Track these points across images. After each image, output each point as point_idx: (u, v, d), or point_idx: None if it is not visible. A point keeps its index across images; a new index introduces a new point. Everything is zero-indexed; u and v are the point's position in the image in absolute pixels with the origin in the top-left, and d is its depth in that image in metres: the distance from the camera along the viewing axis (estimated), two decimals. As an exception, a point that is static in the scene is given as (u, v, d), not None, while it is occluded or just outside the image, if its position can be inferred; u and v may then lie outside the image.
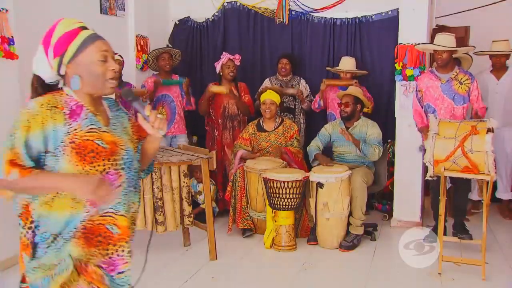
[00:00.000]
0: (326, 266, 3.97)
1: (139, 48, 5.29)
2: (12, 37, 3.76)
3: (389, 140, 5.04)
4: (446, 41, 4.19)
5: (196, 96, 5.26)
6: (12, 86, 3.83)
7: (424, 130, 4.21)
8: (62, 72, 1.70)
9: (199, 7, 5.84)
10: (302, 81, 5.33)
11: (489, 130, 3.50)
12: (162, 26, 5.87)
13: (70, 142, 1.64)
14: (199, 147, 4.36)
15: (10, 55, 3.75)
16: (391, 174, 4.99)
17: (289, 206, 4.21)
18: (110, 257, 1.75)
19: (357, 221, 4.27)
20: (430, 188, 4.54)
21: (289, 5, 5.48)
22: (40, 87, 1.73)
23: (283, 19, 5.52)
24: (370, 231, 4.52)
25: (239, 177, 4.58)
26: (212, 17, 5.84)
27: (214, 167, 3.99)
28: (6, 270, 3.77)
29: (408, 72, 4.68)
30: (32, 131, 1.60)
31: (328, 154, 4.72)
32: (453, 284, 3.56)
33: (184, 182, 3.90)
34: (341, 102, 4.60)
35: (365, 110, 4.76)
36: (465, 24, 5.39)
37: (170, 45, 5.76)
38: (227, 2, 5.76)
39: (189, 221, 3.97)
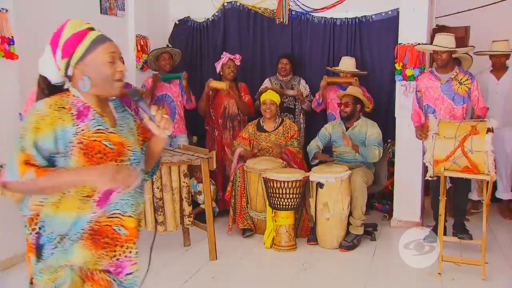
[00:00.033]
0: (326, 266, 3.97)
1: (139, 48, 5.29)
2: (12, 37, 3.77)
3: (389, 140, 5.04)
4: (445, 41, 4.19)
5: (196, 96, 5.26)
6: (12, 86, 3.84)
7: (418, 129, 4.20)
8: (69, 73, 1.70)
9: (199, 7, 5.84)
10: (302, 81, 5.33)
11: (489, 130, 3.50)
12: (162, 26, 5.87)
13: (78, 143, 1.64)
14: (199, 147, 4.36)
15: (10, 55, 3.75)
16: (391, 174, 4.99)
17: (289, 206, 4.21)
18: (117, 259, 1.74)
19: (357, 221, 4.27)
20: (430, 188, 4.54)
21: (289, 5, 5.48)
22: (47, 88, 1.73)
23: (283, 19, 5.52)
24: (370, 231, 4.52)
25: (239, 177, 4.58)
26: (212, 17, 5.84)
27: (214, 167, 3.99)
28: (6, 270, 3.76)
29: (408, 72, 4.68)
30: (41, 132, 1.60)
31: (328, 154, 4.72)
32: (453, 284, 3.56)
33: (184, 182, 3.90)
34: (341, 102, 4.61)
35: (366, 110, 4.76)
36: (465, 24, 5.39)
37: (170, 45, 5.76)
38: (227, 2, 5.76)
39: (189, 221, 3.97)
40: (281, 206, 4.21)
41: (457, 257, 3.81)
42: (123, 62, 4.69)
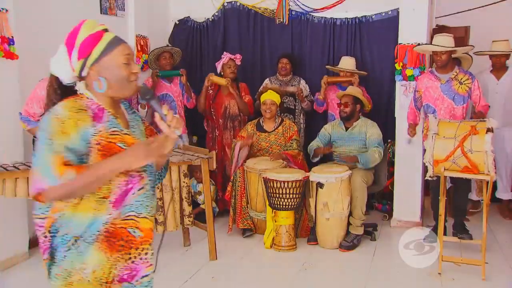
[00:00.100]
0: (326, 266, 3.97)
1: (139, 48, 5.29)
2: (12, 37, 3.77)
3: (389, 140, 5.04)
4: (444, 41, 4.19)
5: (196, 95, 5.27)
6: (12, 86, 3.84)
7: (411, 126, 4.37)
8: (84, 74, 1.70)
9: (199, 7, 5.84)
10: (302, 81, 5.33)
11: (489, 130, 3.50)
12: (162, 26, 5.87)
13: (96, 144, 1.64)
14: (199, 147, 4.36)
15: (10, 55, 3.75)
16: (391, 174, 4.99)
17: (289, 206, 4.21)
18: (132, 262, 1.73)
19: (357, 221, 4.27)
20: (430, 188, 4.54)
21: (289, 5, 5.49)
22: (59, 88, 1.73)
23: (283, 19, 5.52)
24: (370, 231, 4.52)
25: (239, 177, 4.58)
26: (212, 17, 5.84)
27: (214, 167, 3.99)
28: (6, 270, 3.76)
29: (408, 72, 4.68)
30: (68, 135, 1.60)
31: (329, 154, 4.72)
32: (453, 284, 3.56)
33: (184, 182, 3.90)
34: (341, 102, 4.61)
35: (364, 110, 4.76)
36: (465, 24, 5.40)
37: (169, 45, 5.76)
38: (227, 2, 5.76)
39: (189, 221, 3.97)
40: (281, 206, 4.21)
41: (457, 257, 3.81)
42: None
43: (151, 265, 1.78)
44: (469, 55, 4.77)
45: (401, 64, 4.72)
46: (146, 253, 1.76)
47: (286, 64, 5.27)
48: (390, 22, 5.17)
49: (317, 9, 5.51)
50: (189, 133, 5.38)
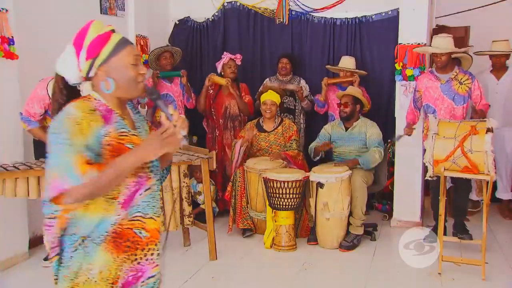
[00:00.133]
0: (326, 266, 3.97)
1: (139, 48, 5.29)
2: (12, 37, 3.77)
3: (389, 140, 5.04)
4: (444, 42, 4.18)
5: (196, 95, 5.27)
6: (12, 86, 3.84)
7: (408, 125, 4.36)
8: (91, 74, 1.70)
9: (199, 7, 5.84)
10: (302, 81, 5.33)
11: (489, 130, 3.50)
12: (162, 26, 5.87)
13: (107, 145, 1.64)
14: (199, 147, 4.36)
15: (10, 55, 3.75)
16: (391, 174, 4.99)
17: (289, 206, 4.21)
18: (138, 263, 1.73)
19: (357, 221, 4.27)
20: (430, 188, 4.54)
21: (289, 5, 5.49)
22: (65, 89, 1.73)
23: (283, 19, 5.52)
24: (370, 231, 4.52)
25: (239, 177, 4.58)
26: (212, 17, 5.84)
27: (214, 167, 3.99)
28: (6, 270, 3.76)
29: (408, 72, 4.68)
30: (85, 135, 1.60)
31: (329, 154, 4.72)
32: (453, 284, 3.56)
33: (184, 182, 3.90)
34: (340, 103, 4.61)
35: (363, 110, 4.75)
36: (465, 24, 5.40)
37: (169, 45, 5.76)
38: (227, 2, 5.76)
39: (189, 221, 3.97)
40: (281, 206, 4.21)
41: (457, 257, 3.81)
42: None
43: (157, 265, 1.78)
44: (469, 55, 4.77)
45: (401, 64, 4.72)
46: (152, 254, 1.76)
47: (286, 64, 5.27)
48: (390, 22, 5.16)
49: (317, 9, 5.51)
50: (189, 133, 5.37)
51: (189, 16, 5.92)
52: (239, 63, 5.15)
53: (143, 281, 1.74)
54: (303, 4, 5.51)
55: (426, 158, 3.70)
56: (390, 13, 5.25)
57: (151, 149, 1.62)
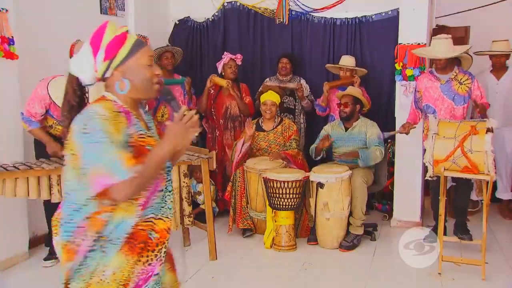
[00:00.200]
0: (326, 266, 3.97)
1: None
2: (12, 37, 3.77)
3: (389, 140, 5.04)
4: (443, 46, 4.16)
5: (196, 97, 5.27)
6: (12, 86, 3.84)
7: (406, 123, 4.32)
8: (107, 75, 1.70)
9: (199, 7, 5.84)
10: (302, 81, 5.33)
11: (489, 130, 3.50)
12: (162, 26, 5.87)
13: (129, 146, 1.66)
14: (199, 147, 4.36)
15: (10, 55, 3.75)
16: (391, 174, 4.99)
17: (289, 206, 4.21)
18: (149, 264, 1.73)
19: (357, 221, 4.27)
20: (430, 188, 4.54)
21: (289, 5, 5.48)
22: (78, 89, 1.73)
23: (283, 19, 5.52)
24: (370, 231, 4.52)
25: (239, 177, 4.58)
26: (212, 17, 5.84)
27: (214, 167, 3.99)
28: (6, 270, 3.76)
29: (408, 72, 4.68)
30: (120, 133, 1.61)
31: (329, 154, 4.72)
32: (453, 284, 3.56)
33: (184, 182, 3.89)
34: (340, 103, 4.60)
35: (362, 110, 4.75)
36: (465, 24, 5.39)
37: (169, 45, 5.76)
38: (227, 2, 5.76)
39: (189, 221, 3.96)
40: (281, 206, 4.21)
41: (457, 257, 3.81)
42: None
43: (162, 263, 1.78)
44: (469, 54, 4.77)
45: (401, 64, 4.71)
46: (160, 252, 1.76)
47: (286, 64, 5.27)
48: (390, 22, 5.16)
49: (317, 9, 5.51)
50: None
51: (189, 16, 5.92)
52: (239, 63, 5.15)
53: (148, 281, 1.74)
54: (303, 4, 5.51)
55: (426, 158, 3.70)
56: (390, 13, 5.25)
57: (181, 137, 1.62)
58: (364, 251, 4.22)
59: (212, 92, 5.17)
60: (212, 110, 5.19)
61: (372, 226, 4.66)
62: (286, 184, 4.14)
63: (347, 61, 5.11)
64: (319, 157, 4.62)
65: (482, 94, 4.22)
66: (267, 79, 5.39)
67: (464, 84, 4.22)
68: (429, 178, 3.78)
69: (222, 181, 5.13)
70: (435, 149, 3.63)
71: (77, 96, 1.72)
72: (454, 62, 4.42)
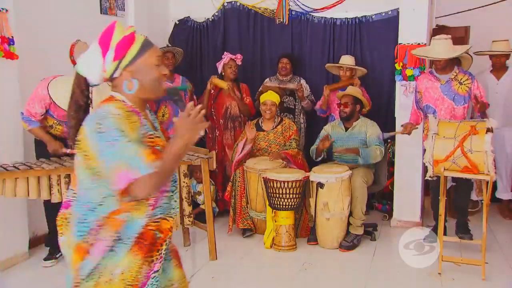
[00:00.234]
0: (326, 266, 3.97)
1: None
2: (12, 37, 3.77)
3: (389, 140, 5.04)
4: (442, 47, 4.16)
5: (196, 97, 5.26)
6: (12, 86, 3.84)
7: (408, 123, 4.27)
8: (116, 75, 1.70)
9: (199, 7, 5.84)
10: (302, 81, 5.33)
11: (489, 130, 3.50)
12: (162, 26, 5.87)
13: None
14: (199, 147, 4.36)
15: (10, 55, 3.75)
16: (391, 174, 4.99)
17: (289, 206, 4.21)
18: (154, 263, 1.74)
19: (357, 221, 4.27)
20: (430, 188, 4.54)
21: (289, 5, 5.48)
22: (86, 89, 1.74)
23: (283, 19, 5.52)
24: (370, 231, 4.52)
25: (239, 177, 4.58)
26: (212, 17, 5.84)
27: (214, 167, 3.99)
28: (6, 270, 3.76)
29: (408, 72, 4.68)
30: (133, 131, 1.62)
31: (329, 154, 4.72)
32: (453, 284, 3.56)
33: (184, 182, 3.89)
34: (340, 103, 4.60)
35: (362, 111, 4.75)
36: (465, 24, 5.39)
37: (169, 45, 5.76)
38: (227, 2, 5.76)
39: (189, 221, 3.96)
40: (281, 206, 4.21)
41: (457, 257, 3.81)
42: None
43: (163, 260, 1.78)
44: (469, 54, 4.77)
45: (401, 64, 4.71)
46: (162, 250, 1.77)
47: (286, 64, 5.26)
48: (390, 22, 5.16)
49: (317, 9, 5.51)
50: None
51: (189, 16, 5.92)
52: (239, 63, 5.15)
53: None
54: (303, 4, 5.51)
55: (426, 158, 3.70)
56: (390, 13, 5.24)
57: (190, 133, 1.63)
58: (364, 251, 4.22)
59: (212, 92, 5.17)
60: (212, 110, 5.19)
61: (372, 226, 4.66)
62: (286, 184, 4.14)
63: (347, 60, 5.11)
64: (319, 158, 4.62)
65: (482, 94, 4.21)
66: (267, 79, 5.39)
67: (464, 84, 4.22)
68: (429, 178, 3.78)
69: (222, 181, 5.13)
70: (435, 149, 3.63)
71: (85, 96, 1.72)
72: (454, 62, 4.42)
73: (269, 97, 4.78)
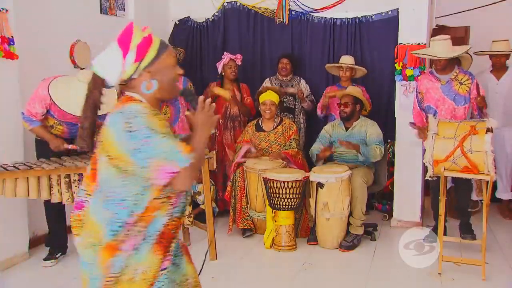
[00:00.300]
0: (326, 266, 3.97)
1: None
2: (12, 37, 3.77)
3: (389, 140, 5.04)
4: (442, 47, 4.15)
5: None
6: (12, 86, 3.84)
7: (421, 130, 4.15)
8: (135, 76, 1.71)
9: (199, 7, 5.84)
10: (302, 81, 5.33)
11: (488, 130, 3.50)
12: (162, 26, 5.87)
13: None
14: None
15: (10, 55, 3.75)
16: (391, 174, 4.99)
17: (289, 206, 4.21)
18: (167, 261, 1.75)
19: (357, 221, 4.27)
20: (430, 188, 4.54)
21: (289, 5, 5.49)
22: (103, 91, 1.74)
23: (283, 19, 5.52)
24: (370, 231, 4.52)
25: (239, 177, 4.58)
26: (212, 17, 5.84)
27: (214, 167, 3.99)
28: (6, 270, 3.76)
29: (408, 72, 4.68)
30: (163, 127, 1.65)
31: (329, 155, 4.72)
32: (453, 284, 3.56)
33: (184, 182, 3.89)
34: (341, 103, 4.61)
35: (363, 112, 4.75)
36: (465, 24, 5.39)
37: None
38: (227, 2, 5.76)
39: (189, 221, 3.97)
40: (281, 206, 4.21)
41: (457, 257, 3.81)
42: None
43: (170, 258, 1.78)
44: (469, 54, 4.76)
45: (401, 64, 4.71)
46: (171, 248, 1.78)
47: (286, 64, 5.26)
48: (390, 22, 5.16)
49: (317, 9, 5.51)
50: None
51: (189, 16, 5.92)
52: (239, 63, 5.15)
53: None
54: (303, 4, 5.51)
55: (426, 158, 3.70)
56: (390, 13, 5.25)
57: (210, 124, 1.73)
58: (364, 251, 4.22)
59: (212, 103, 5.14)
60: (212, 110, 5.18)
61: (372, 226, 4.66)
62: (286, 184, 4.14)
63: (347, 60, 5.11)
64: (319, 164, 4.60)
65: (482, 94, 4.21)
66: (267, 79, 5.39)
67: (465, 84, 4.22)
68: (429, 178, 3.78)
69: (222, 181, 5.13)
70: (435, 149, 3.63)
71: (102, 97, 1.73)
72: (454, 62, 4.41)
73: (269, 97, 4.78)
